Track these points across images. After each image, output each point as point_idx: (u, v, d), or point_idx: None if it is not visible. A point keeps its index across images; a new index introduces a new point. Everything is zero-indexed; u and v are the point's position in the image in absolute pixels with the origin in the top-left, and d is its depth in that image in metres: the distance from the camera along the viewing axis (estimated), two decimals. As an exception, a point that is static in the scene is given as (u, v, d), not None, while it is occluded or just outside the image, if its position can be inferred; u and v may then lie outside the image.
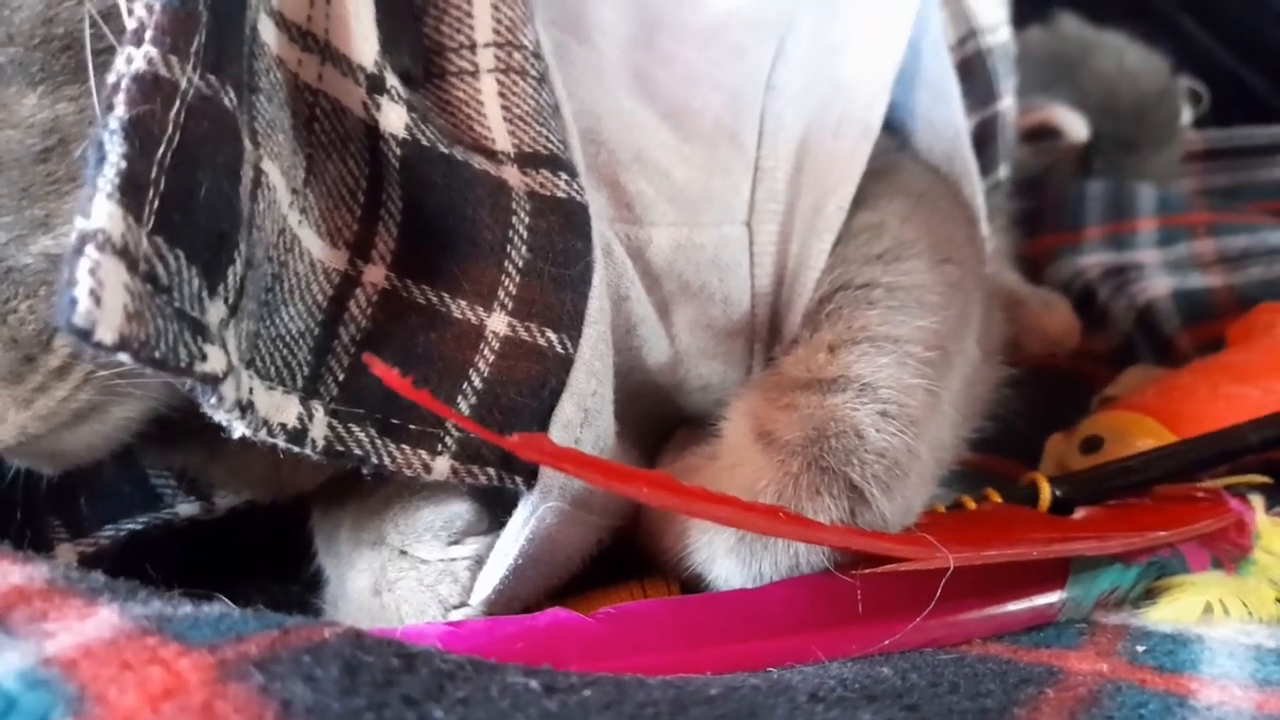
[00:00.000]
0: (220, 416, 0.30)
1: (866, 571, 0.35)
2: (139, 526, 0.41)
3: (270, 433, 0.31)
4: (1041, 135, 0.95)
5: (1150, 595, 0.38)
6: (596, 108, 0.41)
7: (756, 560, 0.36)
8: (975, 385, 0.45)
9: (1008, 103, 0.73)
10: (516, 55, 0.37)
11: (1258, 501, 0.42)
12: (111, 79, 0.26)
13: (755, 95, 0.43)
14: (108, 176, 0.25)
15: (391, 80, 0.34)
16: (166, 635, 0.24)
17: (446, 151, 0.35)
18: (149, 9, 0.27)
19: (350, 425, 0.33)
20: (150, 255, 0.25)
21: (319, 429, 0.32)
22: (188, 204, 0.26)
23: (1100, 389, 0.63)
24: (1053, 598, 0.37)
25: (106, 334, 0.24)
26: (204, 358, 0.27)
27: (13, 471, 0.38)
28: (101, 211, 0.25)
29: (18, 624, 0.24)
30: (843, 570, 0.35)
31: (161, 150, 0.26)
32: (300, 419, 0.32)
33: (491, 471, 0.35)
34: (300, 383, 0.32)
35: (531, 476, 0.35)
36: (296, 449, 0.32)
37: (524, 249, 0.35)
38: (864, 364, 0.38)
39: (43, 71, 0.29)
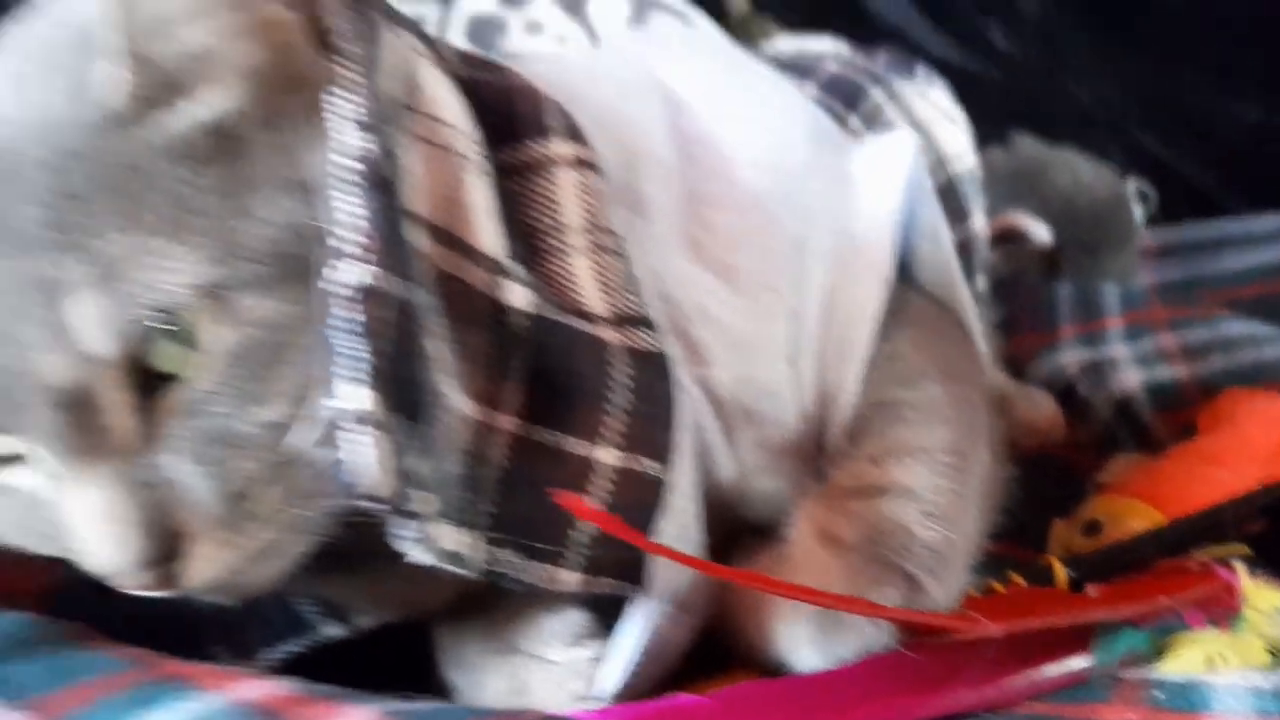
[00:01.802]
0: (408, 547, 0.37)
1: (929, 646, 0.42)
2: (298, 649, 0.47)
3: (443, 559, 0.38)
4: (1008, 239, 1.05)
5: (1160, 652, 0.45)
6: (661, 270, 0.49)
7: (834, 646, 0.43)
8: (989, 484, 0.53)
9: (979, 221, 0.83)
10: (603, 236, 0.45)
11: (1241, 568, 0.50)
12: (341, 290, 0.34)
13: (789, 254, 0.51)
14: (355, 367, 0.33)
15: (511, 264, 0.42)
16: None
17: (559, 319, 0.42)
18: (364, 234, 0.35)
19: (501, 549, 0.40)
20: (389, 423, 0.33)
21: (479, 554, 0.39)
22: (404, 382, 0.34)
23: (1087, 476, 0.71)
24: (1083, 661, 0.44)
25: (374, 487, 0.32)
26: (416, 501, 0.34)
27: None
28: (356, 394, 0.32)
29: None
30: (908, 649, 0.42)
31: (385, 343, 0.34)
32: (466, 547, 0.39)
33: (612, 582, 0.42)
34: (465, 516, 0.39)
35: (644, 585, 0.42)
36: (461, 571, 0.39)
37: (625, 394, 0.43)
38: (903, 472, 0.46)
39: (275, 279, 0.37)
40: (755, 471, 0.50)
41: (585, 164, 0.46)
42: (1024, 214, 1.07)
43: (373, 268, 0.35)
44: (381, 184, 0.37)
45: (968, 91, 0.94)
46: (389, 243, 0.35)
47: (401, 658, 0.50)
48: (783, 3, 1.52)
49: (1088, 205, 1.03)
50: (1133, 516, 0.59)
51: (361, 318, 0.34)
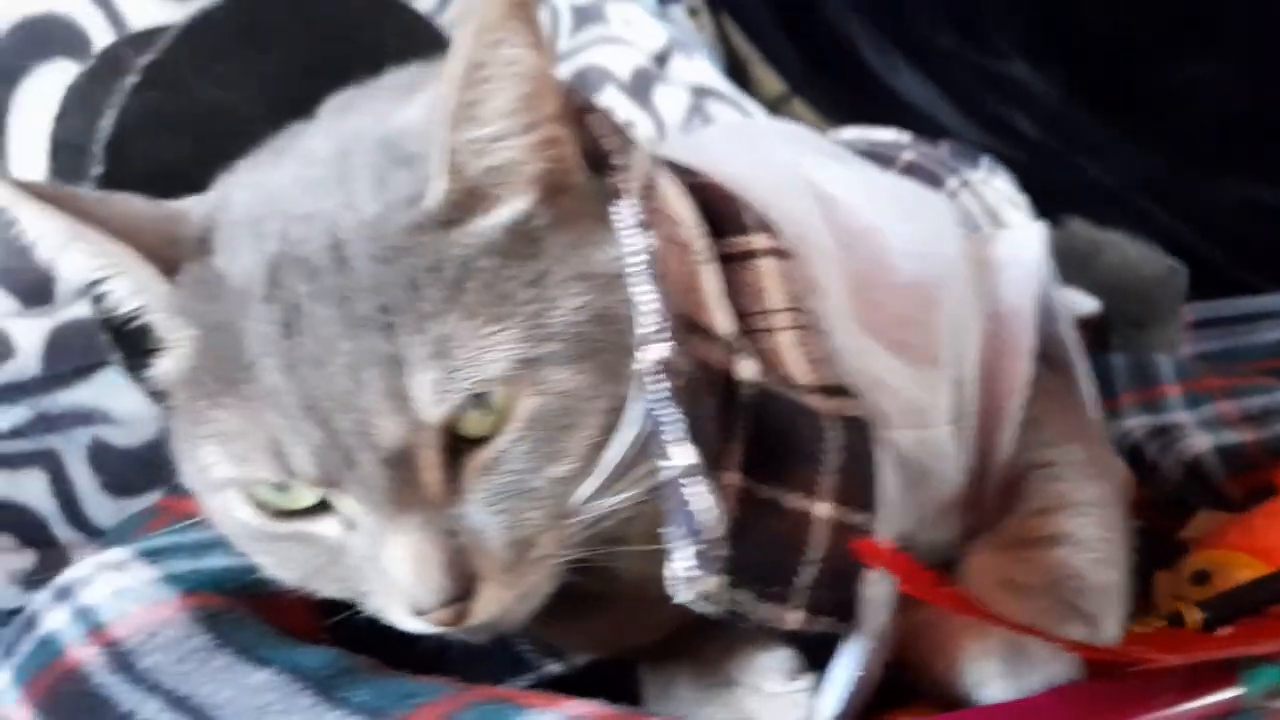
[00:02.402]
0: (678, 586, 0.42)
1: (1106, 679, 0.47)
2: (524, 684, 0.52)
3: (699, 599, 0.44)
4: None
5: (1300, 687, 0.51)
6: (843, 346, 0.55)
7: (1022, 679, 0.48)
8: (1127, 534, 0.59)
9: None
10: (804, 317, 0.52)
11: (1350, 613, 0.56)
12: (644, 366, 0.40)
13: (948, 331, 0.58)
14: (673, 430, 0.39)
15: (740, 342, 0.49)
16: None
17: (777, 389, 0.49)
18: (657, 316, 0.42)
19: (737, 591, 0.46)
20: (705, 472, 0.39)
21: (722, 595, 0.45)
22: (701, 435, 0.40)
23: (1162, 533, 0.77)
24: (1237, 690, 0.49)
25: (715, 531, 0.37)
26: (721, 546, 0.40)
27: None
28: (685, 452, 0.38)
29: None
30: (1091, 679, 0.48)
31: (685, 405, 0.40)
32: (713, 587, 0.44)
33: (829, 620, 0.48)
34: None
35: (857, 624, 0.48)
36: (709, 610, 0.44)
37: (837, 454, 0.49)
38: (1071, 524, 0.52)
39: (572, 355, 0.43)
40: (924, 524, 0.56)
41: (781, 253, 0.53)
42: (1068, 287, 1.15)
43: (668, 343, 0.41)
44: (659, 275, 0.43)
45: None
46: (666, 315, 0.42)
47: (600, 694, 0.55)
48: (819, 89, 1.62)
49: (1136, 283, 1.11)
50: (1238, 567, 0.65)
51: (666, 385, 0.40)
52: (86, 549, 0.86)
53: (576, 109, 0.48)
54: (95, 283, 0.50)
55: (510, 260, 0.43)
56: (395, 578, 0.43)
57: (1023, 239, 0.64)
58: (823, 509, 0.48)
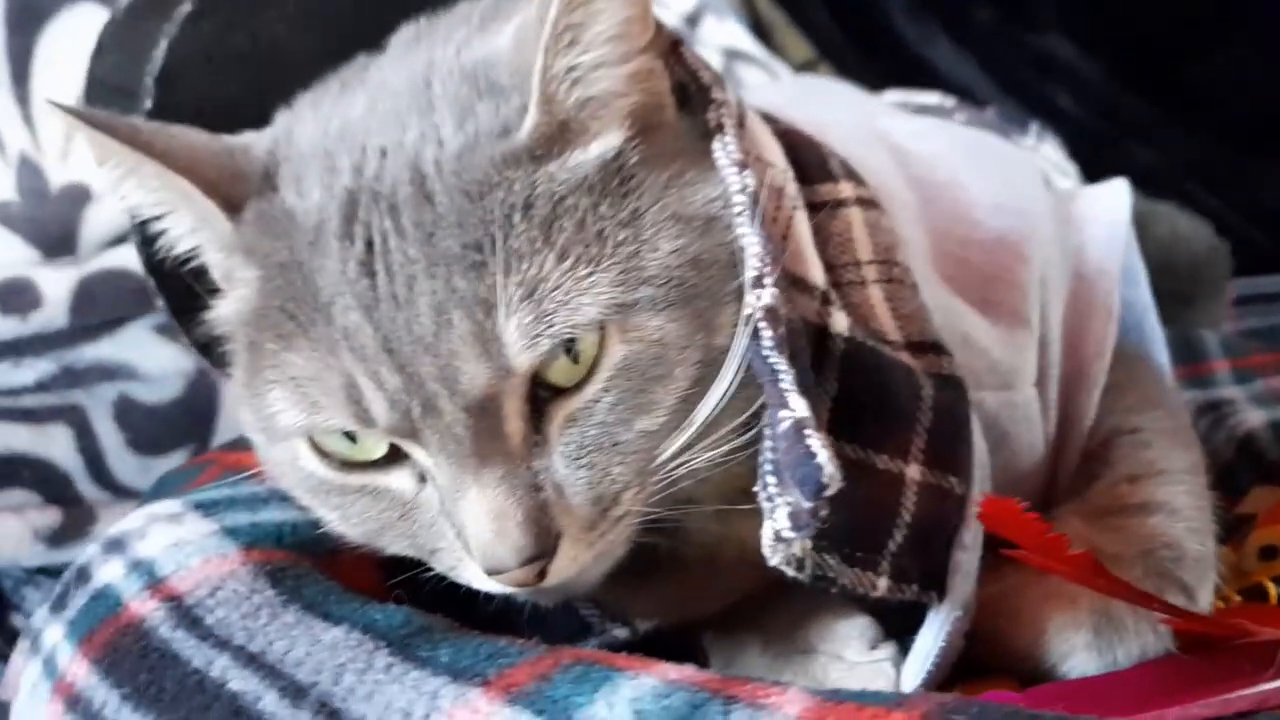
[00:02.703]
0: (771, 547, 0.40)
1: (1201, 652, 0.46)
2: (590, 649, 0.50)
3: (786, 561, 0.42)
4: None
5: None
6: (930, 303, 0.53)
7: (1111, 651, 0.46)
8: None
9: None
10: (894, 269, 0.49)
11: None
12: (749, 311, 0.38)
13: (1035, 290, 0.55)
14: (788, 379, 0.37)
15: (833, 294, 0.46)
16: (866, 704, 0.34)
17: (870, 344, 0.46)
18: (761, 261, 0.39)
19: (825, 555, 0.44)
20: (815, 423, 0.37)
21: (810, 559, 0.43)
22: (808, 388, 0.38)
23: (1220, 508, 0.76)
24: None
25: (833, 482, 0.35)
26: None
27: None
28: (799, 403, 0.36)
29: (743, 701, 0.34)
30: (1183, 651, 0.46)
31: (790, 352, 0.38)
32: (801, 550, 0.42)
33: (915, 588, 0.45)
34: None
35: (943, 592, 0.46)
36: (794, 573, 0.42)
37: (930, 414, 0.46)
38: (1163, 492, 0.50)
39: (665, 301, 0.41)
40: (1001, 490, 0.54)
41: (869, 202, 0.50)
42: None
43: (770, 289, 0.39)
44: (761, 217, 0.41)
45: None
46: (774, 262, 0.40)
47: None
48: (849, 55, 1.59)
49: (1185, 256, 1.08)
50: (1304, 542, 0.63)
51: (773, 333, 0.38)
52: (112, 507, 0.85)
53: (668, 42, 0.45)
54: (145, 221, 0.47)
55: (603, 199, 0.41)
56: (473, 535, 0.41)
57: (1108, 198, 0.61)
58: (914, 471, 0.46)
